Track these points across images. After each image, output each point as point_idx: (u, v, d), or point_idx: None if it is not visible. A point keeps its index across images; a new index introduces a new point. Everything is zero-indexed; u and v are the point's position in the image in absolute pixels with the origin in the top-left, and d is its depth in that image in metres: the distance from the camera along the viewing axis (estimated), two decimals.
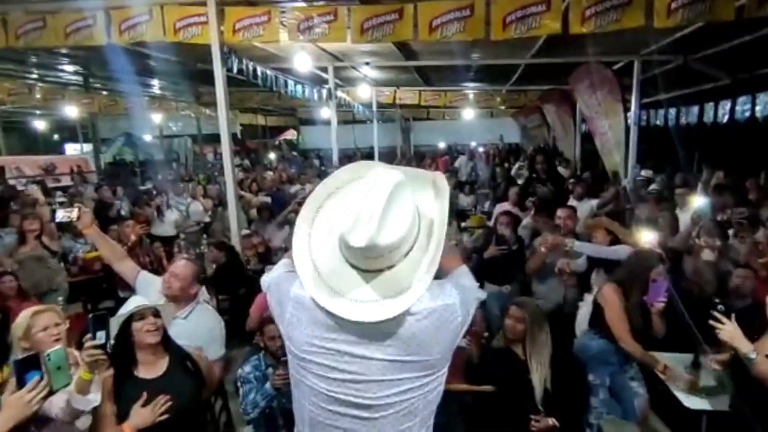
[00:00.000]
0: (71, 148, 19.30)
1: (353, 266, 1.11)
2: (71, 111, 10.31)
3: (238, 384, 2.35)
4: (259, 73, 5.55)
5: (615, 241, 3.40)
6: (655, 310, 2.56)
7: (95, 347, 1.73)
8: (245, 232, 5.35)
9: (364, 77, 10.21)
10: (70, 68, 9.35)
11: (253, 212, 6.71)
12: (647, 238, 3.21)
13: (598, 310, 2.75)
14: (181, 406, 1.97)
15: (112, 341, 1.80)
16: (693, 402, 2.38)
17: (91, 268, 5.25)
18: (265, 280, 1.34)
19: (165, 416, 1.91)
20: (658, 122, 8.91)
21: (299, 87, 7.24)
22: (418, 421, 1.19)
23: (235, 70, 4.83)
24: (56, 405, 1.72)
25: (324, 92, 8.23)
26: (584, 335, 2.91)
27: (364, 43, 4.58)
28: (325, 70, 8.48)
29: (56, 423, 1.81)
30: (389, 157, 13.41)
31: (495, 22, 4.09)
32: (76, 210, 2.54)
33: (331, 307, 1.09)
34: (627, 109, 7.43)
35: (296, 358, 1.19)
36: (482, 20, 4.13)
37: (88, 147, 16.97)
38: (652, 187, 5.88)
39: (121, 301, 4.40)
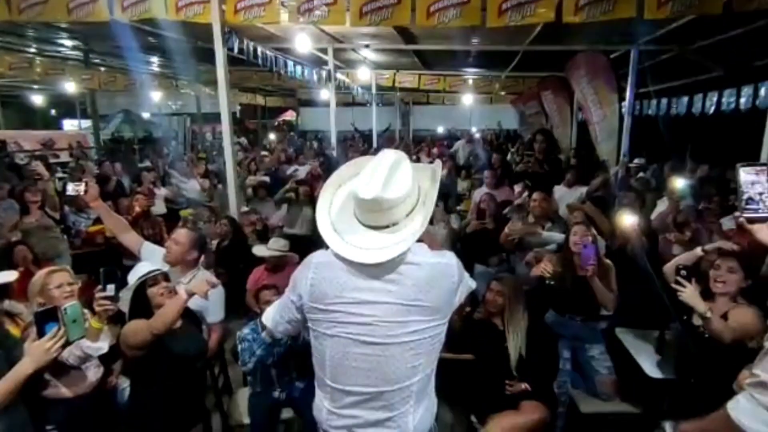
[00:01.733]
0: (69, 124, 19.26)
1: (365, 225, 1.37)
2: (70, 86, 10.32)
3: (237, 342, 2.55)
4: (259, 53, 5.62)
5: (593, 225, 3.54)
6: (589, 274, 2.72)
7: (106, 298, 1.91)
8: (244, 209, 5.49)
9: (364, 60, 10.24)
10: (69, 43, 9.34)
11: (250, 191, 6.85)
12: (628, 220, 3.37)
13: None
14: (197, 353, 2.17)
15: (120, 294, 1.99)
16: (656, 372, 2.58)
17: (94, 241, 5.41)
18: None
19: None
20: (650, 112, 9.01)
21: (299, 68, 7.30)
22: (423, 362, 1.40)
23: (235, 49, 4.91)
24: (69, 351, 1.91)
25: (323, 74, 8.28)
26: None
27: (363, 26, 4.66)
28: (324, 51, 8.51)
29: (70, 372, 2.00)
30: (388, 141, 13.50)
31: (491, 9, 4.18)
32: (83, 184, 2.73)
33: (349, 256, 1.33)
34: (622, 99, 7.53)
35: (320, 312, 1.39)
36: (479, 7, 4.22)
37: (86, 123, 16.98)
38: (640, 175, 6.02)
39: (126, 269, 4.63)
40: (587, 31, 6.64)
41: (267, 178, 7.53)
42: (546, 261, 2.81)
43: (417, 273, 1.36)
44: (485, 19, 4.24)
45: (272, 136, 16.69)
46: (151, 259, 2.75)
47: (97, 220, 5.78)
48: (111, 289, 1.95)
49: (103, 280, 1.96)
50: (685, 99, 7.78)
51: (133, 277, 2.09)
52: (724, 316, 2.25)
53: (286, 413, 2.72)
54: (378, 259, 1.31)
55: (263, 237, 5.22)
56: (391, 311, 1.34)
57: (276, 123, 20.41)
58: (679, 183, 3.90)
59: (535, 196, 3.86)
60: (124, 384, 2.61)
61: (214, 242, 5.08)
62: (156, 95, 15.22)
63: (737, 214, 1.25)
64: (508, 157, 9.00)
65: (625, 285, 2.97)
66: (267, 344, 2.56)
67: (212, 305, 2.65)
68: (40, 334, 1.63)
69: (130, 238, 2.89)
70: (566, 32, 6.67)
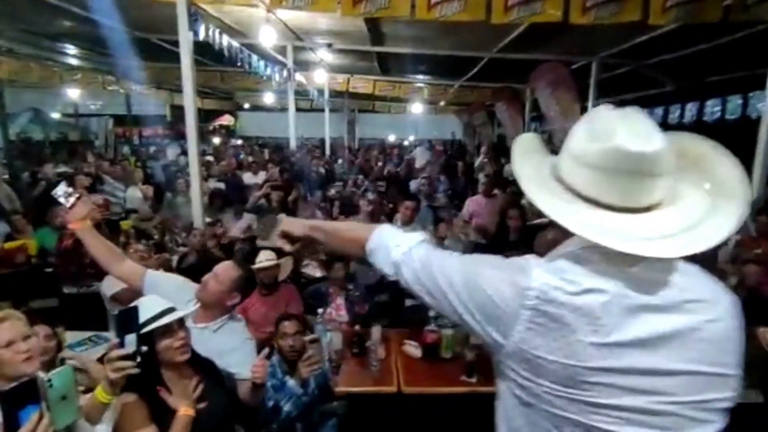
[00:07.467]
0: None
1: (612, 209, 0.82)
2: None
3: None
4: (225, 43, 4.92)
5: None
6: None
7: (124, 358, 1.27)
8: (208, 220, 4.76)
9: (320, 61, 9.71)
10: None
11: (205, 199, 6.05)
12: None
13: None
14: (218, 422, 1.57)
15: (144, 348, 1.33)
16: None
17: (13, 260, 4.38)
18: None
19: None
20: None
21: (262, 63, 6.63)
22: None
23: (201, 36, 4.21)
24: None
25: (284, 72, 7.67)
26: None
27: (355, 15, 4.21)
28: (283, 50, 7.92)
29: None
30: (340, 149, 13.06)
31: (497, 5, 3.93)
32: (76, 196, 1.92)
33: (631, 250, 0.76)
34: (584, 109, 7.73)
35: (540, 370, 0.82)
36: (483, 3, 3.96)
37: None
38: None
39: (68, 299, 3.67)
40: (554, 41, 6.71)
41: (222, 185, 6.74)
42: None
43: (713, 313, 0.81)
44: (490, 15, 3.97)
45: (216, 141, 15.51)
46: (158, 291, 1.91)
47: (10, 235, 4.73)
48: (131, 342, 1.29)
49: (117, 330, 1.30)
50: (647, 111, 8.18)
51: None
52: None
53: None
54: (687, 251, 0.77)
55: (229, 252, 4.54)
56: (681, 385, 0.80)
57: (212, 127, 19.00)
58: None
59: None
60: None
61: (174, 258, 4.33)
62: (74, 93, 13.54)
63: None
64: (476, 164, 8.92)
65: None
66: (296, 396, 2.02)
67: (243, 361, 1.94)
68: (11, 425, 0.99)
69: (127, 268, 2.09)
70: (535, 41, 6.68)
